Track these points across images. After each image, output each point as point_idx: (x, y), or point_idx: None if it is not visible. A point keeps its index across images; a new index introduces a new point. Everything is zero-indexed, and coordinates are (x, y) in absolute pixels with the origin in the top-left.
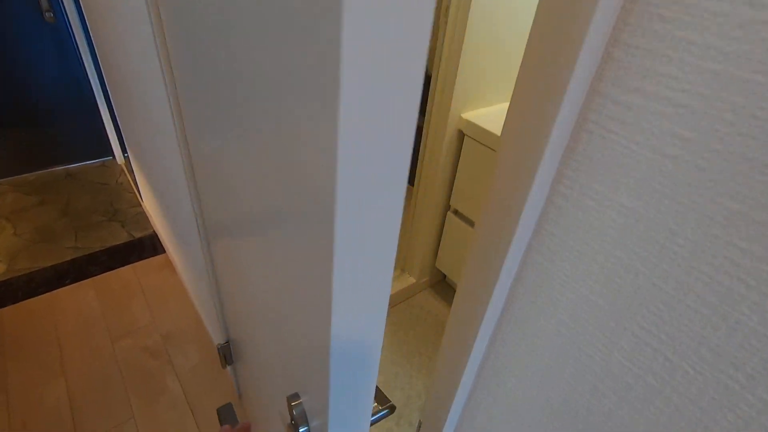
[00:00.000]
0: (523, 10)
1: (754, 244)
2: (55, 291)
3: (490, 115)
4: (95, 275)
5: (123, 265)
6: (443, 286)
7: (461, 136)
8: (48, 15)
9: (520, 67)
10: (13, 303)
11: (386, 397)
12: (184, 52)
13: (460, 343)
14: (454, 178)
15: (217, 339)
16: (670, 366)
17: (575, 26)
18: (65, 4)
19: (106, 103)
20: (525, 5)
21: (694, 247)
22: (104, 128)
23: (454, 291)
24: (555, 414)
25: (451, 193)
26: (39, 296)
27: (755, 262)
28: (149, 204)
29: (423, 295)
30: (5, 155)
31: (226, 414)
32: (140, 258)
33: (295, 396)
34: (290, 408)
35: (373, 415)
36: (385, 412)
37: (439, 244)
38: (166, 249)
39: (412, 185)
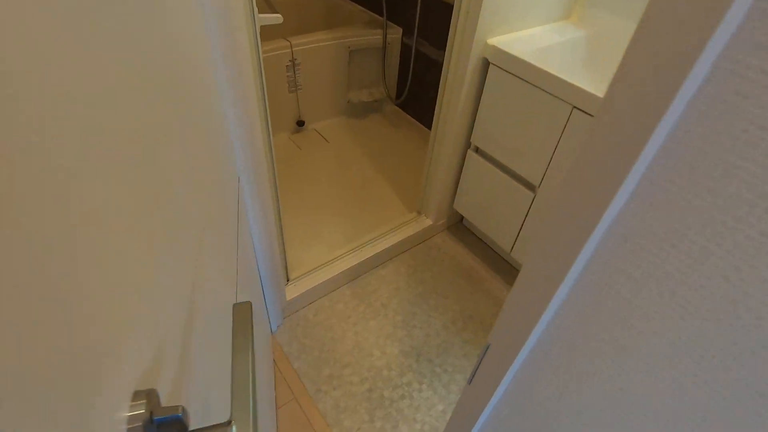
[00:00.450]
0: None
1: None
2: None
3: (518, 40)
4: None
5: None
6: (460, 228)
7: (485, 65)
8: None
9: None
10: None
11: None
12: None
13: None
14: (476, 114)
15: None
16: None
17: None
18: None
19: None
20: None
21: None
22: None
23: (471, 233)
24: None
25: (473, 129)
26: None
27: None
28: None
29: (440, 237)
30: None
31: None
32: None
33: None
34: None
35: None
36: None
37: (457, 186)
38: None
39: (431, 129)
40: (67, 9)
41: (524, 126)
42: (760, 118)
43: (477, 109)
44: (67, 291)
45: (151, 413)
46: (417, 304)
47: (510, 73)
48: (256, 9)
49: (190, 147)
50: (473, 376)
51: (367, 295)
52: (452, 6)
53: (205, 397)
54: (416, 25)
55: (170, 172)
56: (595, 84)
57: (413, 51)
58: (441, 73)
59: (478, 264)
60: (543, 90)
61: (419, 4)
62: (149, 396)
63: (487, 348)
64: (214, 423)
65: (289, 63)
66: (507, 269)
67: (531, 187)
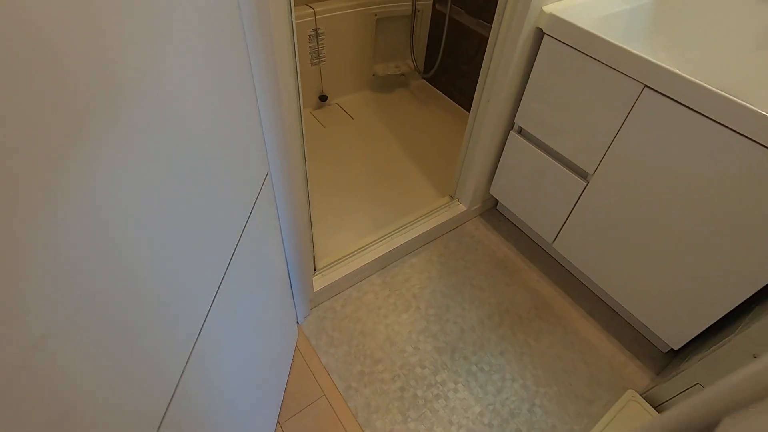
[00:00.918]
0: None
1: None
2: None
3: (577, 7)
4: None
5: None
6: (493, 214)
7: (538, 36)
8: None
9: None
10: None
11: None
12: None
13: None
14: (522, 91)
15: None
16: None
17: None
18: None
19: None
20: None
21: None
22: None
23: (506, 219)
24: None
25: (518, 108)
26: None
27: None
28: None
29: (473, 224)
30: None
31: None
32: None
33: None
34: None
35: None
36: None
37: (495, 169)
38: None
39: (460, 105)
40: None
41: (580, 106)
42: None
43: (524, 86)
44: None
45: None
46: (450, 296)
47: (568, 45)
48: None
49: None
50: None
51: (398, 286)
52: None
53: None
54: None
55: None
56: (673, 59)
57: (447, 19)
58: (476, 44)
59: (513, 253)
60: (607, 65)
61: None
62: None
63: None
64: None
65: (312, 32)
66: (545, 260)
67: (583, 174)
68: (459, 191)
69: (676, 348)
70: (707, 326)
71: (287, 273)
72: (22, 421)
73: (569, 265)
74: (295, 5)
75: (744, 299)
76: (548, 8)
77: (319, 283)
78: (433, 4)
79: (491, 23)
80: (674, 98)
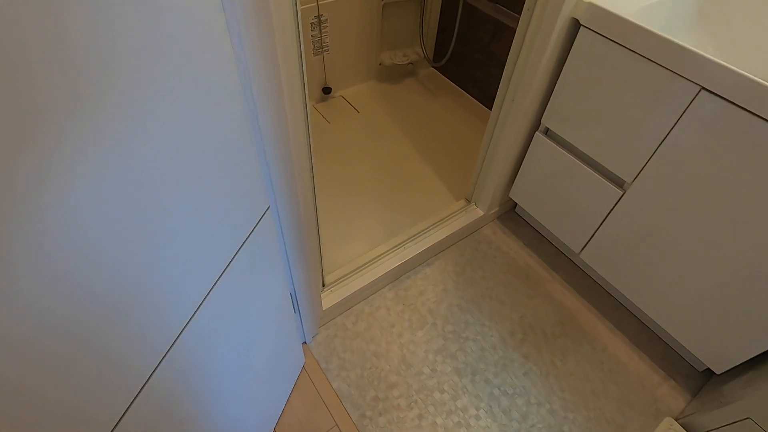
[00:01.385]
0: None
1: None
2: None
3: None
4: None
5: None
6: (512, 217)
7: (574, 27)
8: None
9: None
10: None
11: None
12: None
13: None
14: (551, 88)
15: None
16: None
17: None
18: None
19: None
20: None
21: None
22: None
23: (526, 223)
24: None
25: (545, 107)
26: None
27: None
28: None
29: (490, 228)
30: None
31: None
32: None
33: None
34: None
35: None
36: None
37: (516, 171)
38: None
39: (490, 108)
40: None
41: (620, 107)
42: None
43: (553, 84)
44: None
45: None
46: (469, 310)
47: (609, 38)
48: None
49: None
50: None
51: (412, 299)
52: None
53: None
54: None
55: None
56: (725, 54)
57: (461, 4)
58: (490, 30)
59: (534, 261)
60: (656, 63)
61: None
62: None
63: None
64: None
65: (314, 20)
66: (569, 268)
67: (618, 182)
68: (476, 195)
69: (718, 372)
70: (759, 353)
71: (291, 297)
72: None
73: (595, 274)
74: None
75: None
76: None
77: (328, 300)
78: None
79: (511, 9)
80: (737, 102)
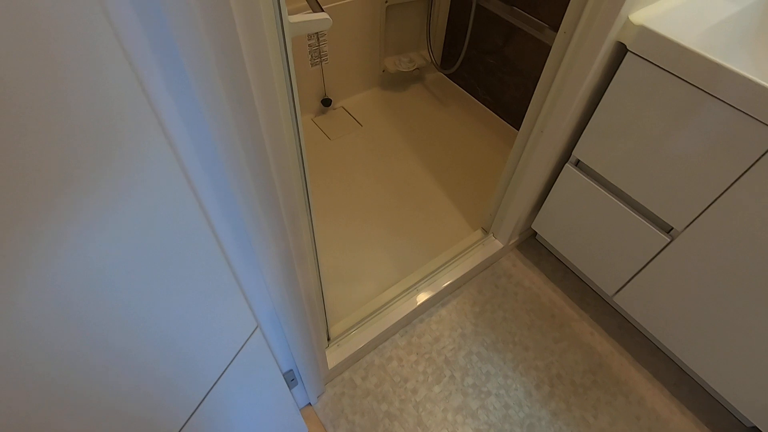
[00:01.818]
0: None
1: None
2: None
3: (672, 12)
4: None
5: None
6: (532, 245)
7: (618, 53)
8: None
9: None
10: None
11: None
12: None
13: None
14: (587, 118)
15: None
16: None
17: None
18: None
19: None
20: None
21: None
22: None
23: (548, 253)
24: None
25: (579, 138)
26: None
27: None
28: None
29: (508, 259)
30: None
31: None
32: None
33: None
34: None
35: None
36: None
37: (542, 203)
38: None
39: (503, 117)
40: None
41: (673, 146)
42: None
43: (589, 114)
44: None
45: None
46: (490, 359)
47: (662, 68)
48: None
49: None
50: None
51: (427, 348)
52: None
53: None
54: None
55: None
56: None
57: (473, 6)
58: (503, 33)
59: (559, 296)
60: (724, 102)
61: None
62: None
63: None
64: None
65: None
66: (598, 304)
67: (665, 227)
68: (495, 226)
69: None
70: None
71: (289, 373)
72: None
73: (627, 314)
74: None
75: None
76: (636, 17)
77: (334, 356)
78: None
79: (528, 12)
80: None
